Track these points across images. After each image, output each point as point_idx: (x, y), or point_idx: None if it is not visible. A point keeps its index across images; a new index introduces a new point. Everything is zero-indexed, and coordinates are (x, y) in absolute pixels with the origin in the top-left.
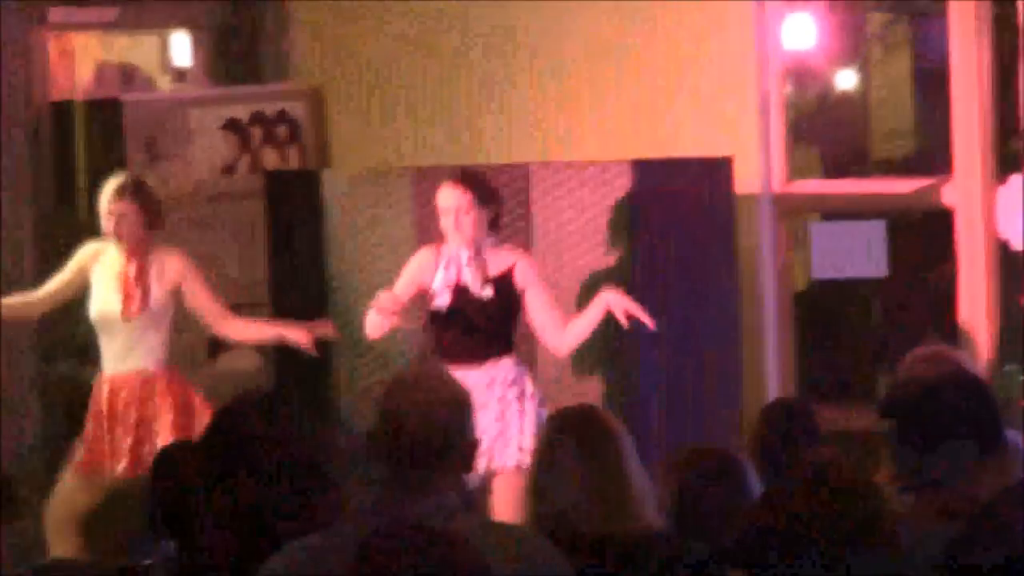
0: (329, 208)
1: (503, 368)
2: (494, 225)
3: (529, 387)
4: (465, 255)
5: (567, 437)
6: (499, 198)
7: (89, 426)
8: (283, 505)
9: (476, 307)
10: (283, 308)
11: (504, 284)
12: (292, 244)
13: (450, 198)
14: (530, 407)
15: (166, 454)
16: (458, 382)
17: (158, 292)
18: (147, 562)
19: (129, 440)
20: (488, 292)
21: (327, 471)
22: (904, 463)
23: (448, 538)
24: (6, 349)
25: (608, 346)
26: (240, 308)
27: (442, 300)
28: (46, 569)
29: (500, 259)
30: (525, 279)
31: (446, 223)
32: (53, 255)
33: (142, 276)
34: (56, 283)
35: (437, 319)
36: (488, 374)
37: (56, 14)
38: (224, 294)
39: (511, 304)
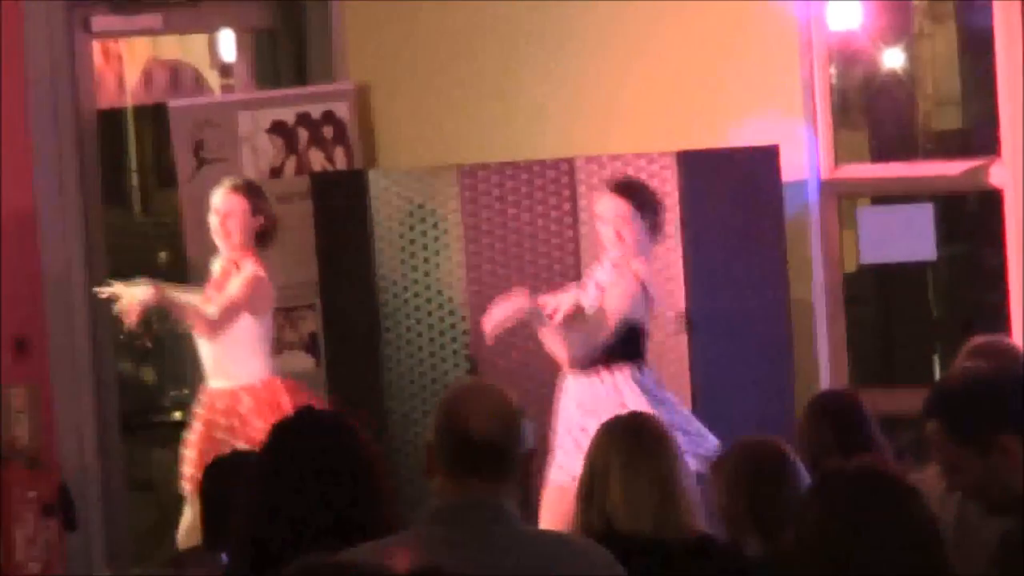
0: (376, 207)
1: (623, 376)
2: (655, 232)
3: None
4: (606, 264)
5: (616, 443)
6: (657, 204)
7: (192, 440)
8: (340, 516)
9: None
10: (333, 308)
11: None
12: (340, 244)
13: (609, 208)
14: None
15: (218, 464)
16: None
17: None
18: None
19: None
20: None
21: (381, 484)
22: (951, 460)
23: None
24: (60, 350)
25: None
26: (292, 310)
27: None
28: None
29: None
30: None
31: (605, 233)
32: (104, 255)
33: (222, 281)
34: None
35: None
36: (605, 382)
37: (101, 22)
38: (275, 297)
39: None
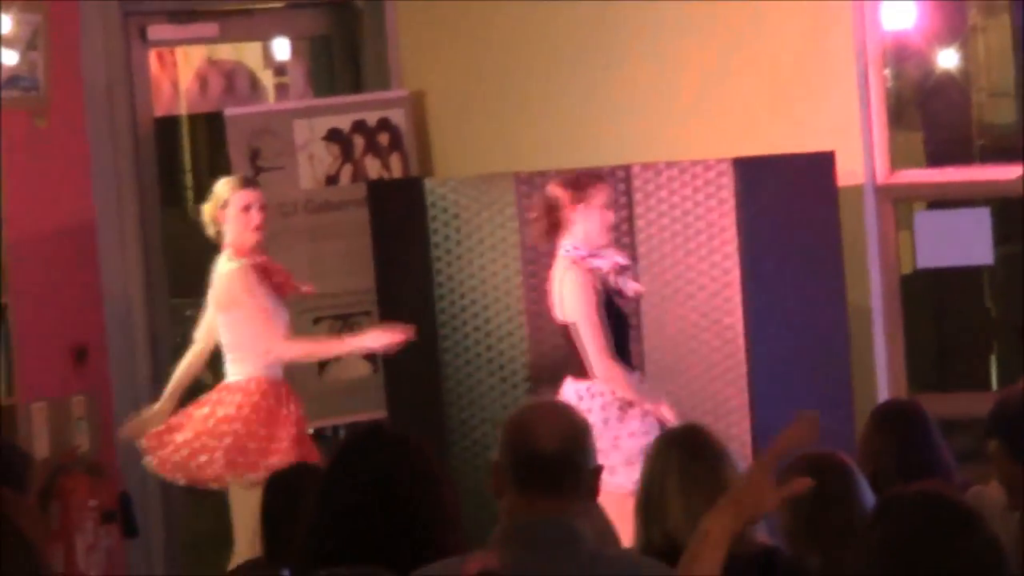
0: (433, 214)
1: (568, 391)
2: (550, 235)
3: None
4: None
5: (672, 458)
6: (550, 205)
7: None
8: (404, 535)
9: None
10: (390, 315)
11: None
12: (397, 252)
13: None
14: None
15: (281, 477)
16: (578, 410)
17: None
18: None
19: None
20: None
21: (446, 504)
22: (1011, 479)
23: None
24: (120, 358)
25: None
26: (348, 317)
27: None
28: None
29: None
30: None
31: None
32: (162, 262)
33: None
34: (204, 327)
35: None
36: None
37: (157, 32)
38: (332, 304)
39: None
